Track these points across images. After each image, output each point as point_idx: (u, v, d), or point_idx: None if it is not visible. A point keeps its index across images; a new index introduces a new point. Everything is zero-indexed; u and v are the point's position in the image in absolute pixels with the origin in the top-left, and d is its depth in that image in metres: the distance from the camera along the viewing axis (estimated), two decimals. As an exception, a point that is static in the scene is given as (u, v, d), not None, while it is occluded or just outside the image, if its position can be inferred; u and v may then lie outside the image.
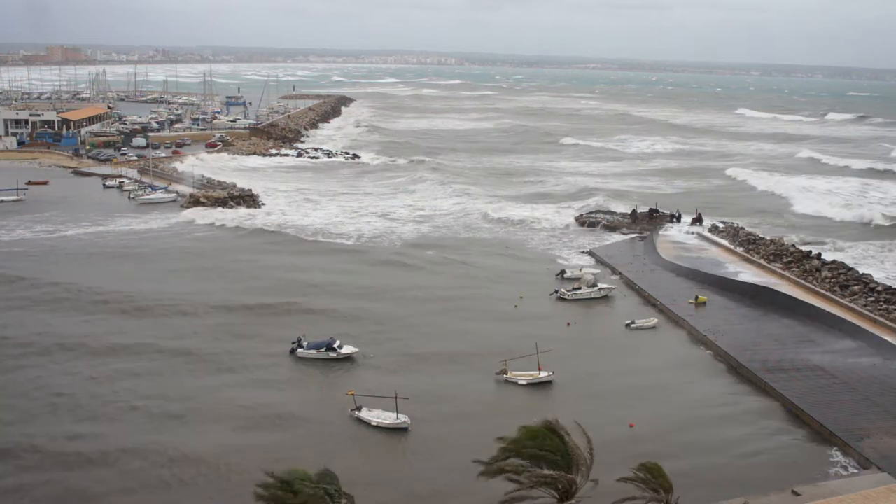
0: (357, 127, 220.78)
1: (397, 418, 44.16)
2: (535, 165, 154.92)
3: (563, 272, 75.17)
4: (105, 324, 58.88)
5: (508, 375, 50.70)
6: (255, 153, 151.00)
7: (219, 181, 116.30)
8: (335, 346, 53.57)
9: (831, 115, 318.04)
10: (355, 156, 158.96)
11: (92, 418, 44.28)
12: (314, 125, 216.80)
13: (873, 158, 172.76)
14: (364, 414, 44.66)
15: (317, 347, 53.30)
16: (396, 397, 44.43)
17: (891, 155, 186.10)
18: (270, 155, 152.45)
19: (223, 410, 45.49)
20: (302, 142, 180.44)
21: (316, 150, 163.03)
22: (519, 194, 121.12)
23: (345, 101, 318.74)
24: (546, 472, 29.09)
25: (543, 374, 50.93)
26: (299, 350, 53.24)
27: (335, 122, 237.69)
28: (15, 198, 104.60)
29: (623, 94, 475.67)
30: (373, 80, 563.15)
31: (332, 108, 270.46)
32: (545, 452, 29.68)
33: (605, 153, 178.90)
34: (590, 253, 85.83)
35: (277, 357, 53.54)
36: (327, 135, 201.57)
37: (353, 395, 46.06)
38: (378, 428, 43.88)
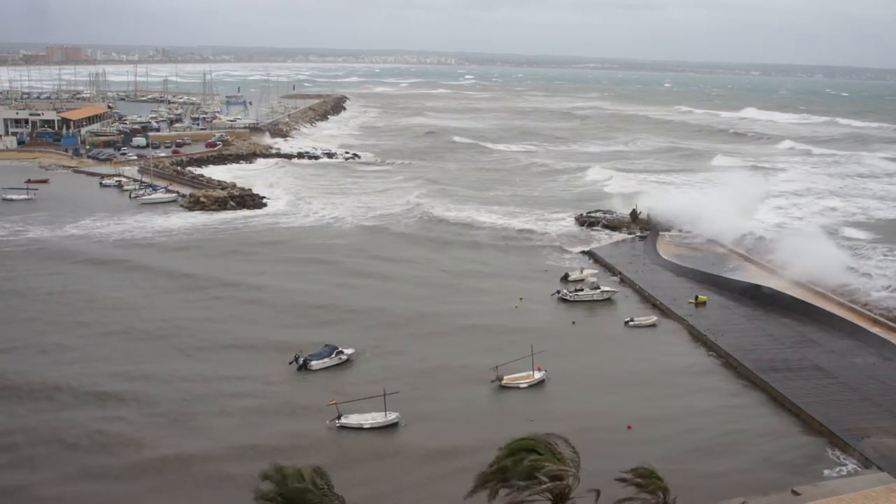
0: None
1: (387, 416, 44.25)
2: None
3: (566, 276, 74.97)
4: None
5: (505, 381, 50.21)
6: (255, 153, 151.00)
7: (219, 181, 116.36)
8: (339, 349, 53.53)
9: (746, 112, 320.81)
10: (355, 155, 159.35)
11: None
12: (312, 123, 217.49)
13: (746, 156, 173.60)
14: (348, 420, 44.03)
15: (327, 356, 52.83)
16: (385, 394, 44.49)
17: (777, 147, 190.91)
18: (271, 155, 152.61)
19: (217, 432, 43.85)
20: (293, 136, 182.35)
21: (315, 149, 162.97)
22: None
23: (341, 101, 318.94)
24: (542, 479, 29.13)
25: (538, 374, 50.85)
26: (313, 363, 51.98)
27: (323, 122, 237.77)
28: (25, 197, 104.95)
29: (580, 91, 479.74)
30: (339, 79, 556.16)
31: (331, 108, 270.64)
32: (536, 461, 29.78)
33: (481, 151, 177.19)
34: (590, 253, 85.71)
35: (281, 375, 51.49)
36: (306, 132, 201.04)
37: (335, 404, 44.96)
38: (371, 429, 43.78)
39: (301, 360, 52.15)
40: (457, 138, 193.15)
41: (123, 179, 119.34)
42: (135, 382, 48.87)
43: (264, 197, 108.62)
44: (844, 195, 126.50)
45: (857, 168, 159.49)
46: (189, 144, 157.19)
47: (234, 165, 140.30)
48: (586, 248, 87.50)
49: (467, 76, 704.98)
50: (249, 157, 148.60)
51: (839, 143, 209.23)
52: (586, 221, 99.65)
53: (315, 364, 52.08)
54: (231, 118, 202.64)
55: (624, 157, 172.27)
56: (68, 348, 54.40)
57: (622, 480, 30.80)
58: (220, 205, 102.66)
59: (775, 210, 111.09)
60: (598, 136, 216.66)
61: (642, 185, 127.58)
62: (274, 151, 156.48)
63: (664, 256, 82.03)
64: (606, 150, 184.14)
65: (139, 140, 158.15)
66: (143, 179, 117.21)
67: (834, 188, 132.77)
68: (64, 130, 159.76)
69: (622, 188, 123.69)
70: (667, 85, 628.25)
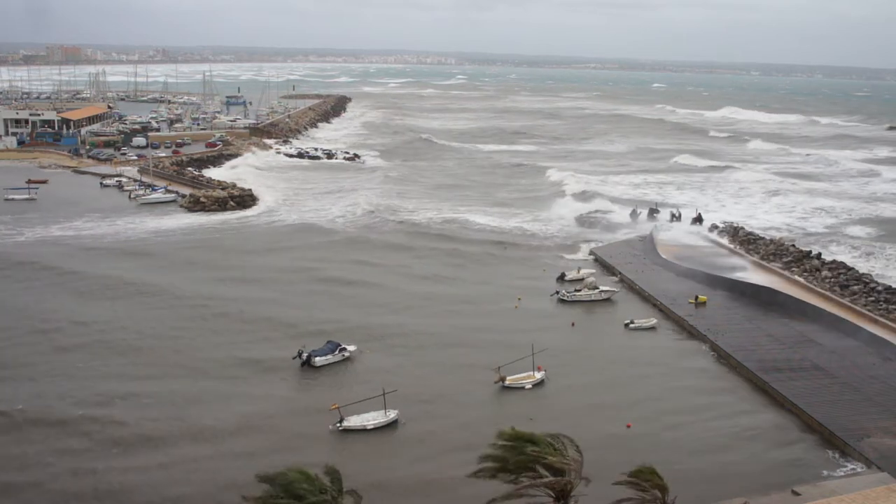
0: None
1: (386, 414, 44.31)
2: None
3: (563, 275, 74.88)
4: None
5: (508, 382, 50.09)
6: (254, 153, 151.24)
7: (219, 181, 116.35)
8: (342, 346, 53.58)
9: (725, 110, 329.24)
10: (356, 155, 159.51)
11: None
12: (313, 124, 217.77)
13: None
14: (350, 422, 43.89)
15: (330, 352, 52.84)
16: (384, 393, 44.54)
17: (748, 147, 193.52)
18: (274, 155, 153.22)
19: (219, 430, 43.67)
20: (297, 138, 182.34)
21: (316, 149, 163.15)
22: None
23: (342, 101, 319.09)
24: (543, 474, 29.10)
25: (539, 374, 50.86)
26: (317, 359, 51.88)
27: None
28: (27, 196, 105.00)
29: (569, 91, 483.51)
30: (332, 79, 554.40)
31: (332, 108, 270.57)
32: (538, 454, 29.69)
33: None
34: (590, 253, 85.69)
35: (283, 372, 51.26)
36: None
37: (337, 408, 44.71)
38: (373, 430, 43.75)
39: (305, 356, 52.09)
40: (441, 140, 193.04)
41: (123, 180, 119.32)
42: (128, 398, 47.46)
43: (257, 197, 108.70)
44: (805, 192, 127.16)
45: (824, 168, 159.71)
46: (189, 144, 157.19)
47: (233, 163, 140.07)
48: (586, 249, 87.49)
49: (459, 76, 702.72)
50: (249, 157, 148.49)
51: (815, 143, 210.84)
52: (585, 221, 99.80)
53: (319, 360, 52.04)
54: (231, 118, 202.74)
55: (597, 156, 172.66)
56: (29, 365, 51.70)
57: (622, 482, 30.79)
58: (221, 205, 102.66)
59: (776, 208, 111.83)
60: (576, 136, 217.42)
61: (601, 185, 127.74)
62: (274, 152, 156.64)
63: (664, 256, 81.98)
64: (580, 150, 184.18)
65: (139, 140, 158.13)
66: (143, 179, 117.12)
67: (799, 187, 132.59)
68: (64, 130, 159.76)
69: (576, 187, 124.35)
70: (656, 85, 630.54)
